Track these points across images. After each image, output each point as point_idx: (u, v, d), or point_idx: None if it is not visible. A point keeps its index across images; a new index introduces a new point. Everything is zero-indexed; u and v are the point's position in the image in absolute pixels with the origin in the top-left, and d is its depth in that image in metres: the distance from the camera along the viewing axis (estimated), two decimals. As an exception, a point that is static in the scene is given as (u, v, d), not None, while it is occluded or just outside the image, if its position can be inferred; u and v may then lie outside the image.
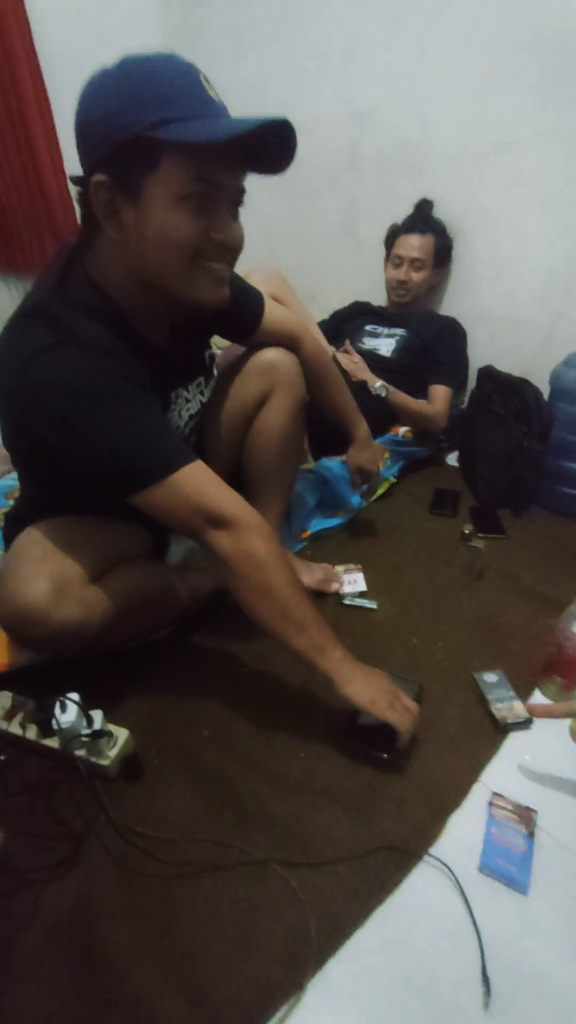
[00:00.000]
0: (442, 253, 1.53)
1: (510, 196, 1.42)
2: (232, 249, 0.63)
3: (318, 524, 1.22)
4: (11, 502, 1.18)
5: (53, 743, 0.69)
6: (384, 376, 1.45)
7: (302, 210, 1.82)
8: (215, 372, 0.91)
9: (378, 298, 1.72)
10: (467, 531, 1.08)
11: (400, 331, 1.57)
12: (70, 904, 0.58)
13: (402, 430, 1.48)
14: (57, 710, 0.68)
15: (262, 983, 0.52)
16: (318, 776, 0.71)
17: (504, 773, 0.72)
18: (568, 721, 0.68)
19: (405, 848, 0.63)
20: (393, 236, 1.58)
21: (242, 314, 0.87)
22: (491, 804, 0.67)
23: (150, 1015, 0.50)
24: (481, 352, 1.58)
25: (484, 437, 1.39)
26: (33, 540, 0.73)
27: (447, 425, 1.52)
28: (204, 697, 0.82)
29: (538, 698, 0.84)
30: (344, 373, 1.27)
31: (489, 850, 0.63)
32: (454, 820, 0.66)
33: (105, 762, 0.68)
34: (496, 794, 0.68)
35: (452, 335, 1.56)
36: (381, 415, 1.43)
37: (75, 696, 0.69)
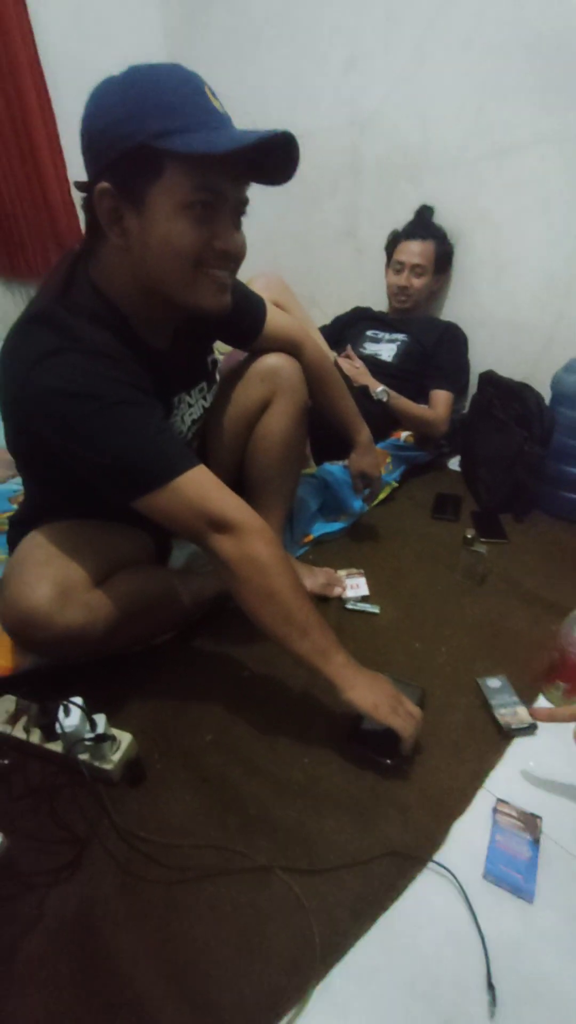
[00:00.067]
0: (443, 259, 1.54)
1: (510, 200, 1.43)
2: (234, 257, 0.64)
3: (320, 528, 1.22)
4: (15, 507, 1.19)
5: (56, 747, 0.69)
6: (385, 381, 1.46)
7: (303, 215, 1.83)
8: (217, 377, 0.91)
9: (379, 303, 1.73)
10: (469, 536, 1.08)
11: (401, 336, 1.58)
12: (73, 908, 0.58)
13: (404, 435, 1.48)
14: (60, 714, 0.68)
15: (266, 990, 0.52)
16: (321, 781, 0.71)
17: (508, 779, 0.72)
18: (572, 726, 0.68)
19: (409, 854, 0.63)
20: (394, 242, 1.59)
21: (244, 320, 0.88)
22: (496, 810, 0.67)
23: (153, 1020, 0.50)
24: (482, 356, 1.58)
25: (485, 442, 1.39)
26: (37, 544, 0.74)
27: (448, 430, 1.53)
28: (207, 701, 0.82)
29: (542, 703, 0.83)
30: (346, 378, 1.28)
31: (494, 857, 0.62)
32: (458, 826, 0.66)
33: (108, 766, 0.68)
34: (501, 800, 0.68)
35: (453, 340, 1.57)
36: (383, 420, 1.43)
37: (78, 700, 0.69)
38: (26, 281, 1.97)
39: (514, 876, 0.60)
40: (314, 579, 1.04)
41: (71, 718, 0.68)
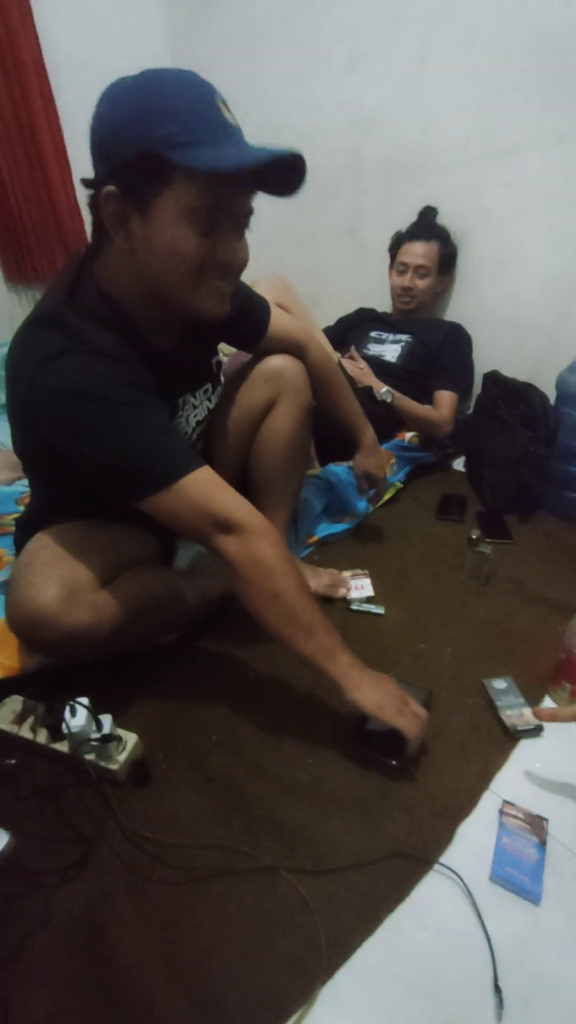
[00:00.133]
0: (446, 260, 1.54)
1: (513, 199, 1.43)
2: (236, 268, 0.65)
3: (325, 529, 1.22)
4: (21, 508, 1.20)
5: (63, 747, 0.70)
6: (389, 382, 1.46)
7: (306, 217, 1.84)
8: (222, 379, 0.92)
9: (383, 304, 1.73)
10: (474, 536, 1.08)
11: (405, 337, 1.58)
12: (80, 907, 0.58)
13: (408, 436, 1.48)
14: (67, 714, 0.68)
15: (271, 990, 0.52)
16: (326, 782, 0.71)
17: (515, 781, 0.72)
18: (578, 727, 0.68)
19: (415, 856, 0.63)
20: (398, 243, 1.59)
21: (248, 322, 0.88)
22: (502, 812, 0.67)
23: (159, 1019, 0.50)
24: (486, 356, 1.58)
25: (490, 442, 1.39)
26: (43, 545, 0.74)
27: (453, 431, 1.53)
28: (212, 702, 0.82)
29: (548, 705, 0.83)
30: (350, 379, 1.28)
31: (500, 859, 0.62)
32: (464, 828, 0.66)
33: (114, 766, 0.68)
34: (507, 802, 0.68)
35: (457, 340, 1.56)
36: (387, 421, 1.43)
37: (84, 700, 0.70)
38: (32, 284, 1.98)
39: (520, 878, 0.60)
40: (319, 580, 1.04)
41: (77, 718, 0.68)
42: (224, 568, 0.68)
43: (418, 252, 1.52)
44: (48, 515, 0.79)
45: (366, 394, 1.41)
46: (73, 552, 0.73)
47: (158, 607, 0.83)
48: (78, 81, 1.78)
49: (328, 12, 1.58)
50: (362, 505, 1.26)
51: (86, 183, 0.60)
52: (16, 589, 0.70)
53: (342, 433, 1.10)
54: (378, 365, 1.52)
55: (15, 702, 0.75)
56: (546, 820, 0.66)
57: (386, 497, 1.35)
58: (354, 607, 1.02)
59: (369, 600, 1.03)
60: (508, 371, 1.47)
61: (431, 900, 0.59)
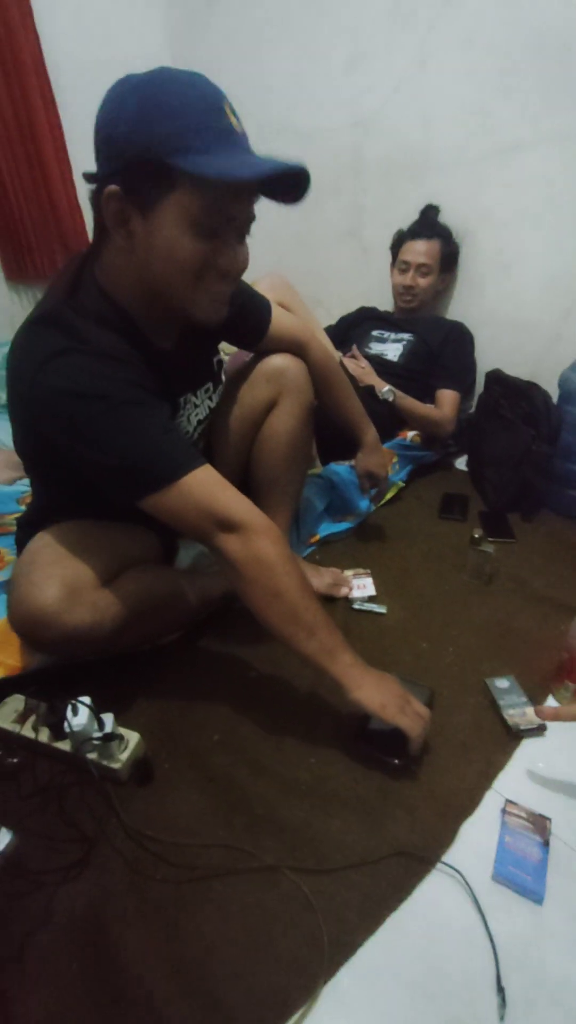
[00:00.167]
0: (448, 259, 1.54)
1: (514, 198, 1.42)
2: (236, 274, 0.65)
3: (327, 529, 1.22)
4: (23, 508, 1.20)
5: (65, 746, 0.70)
6: (391, 381, 1.46)
7: (307, 217, 1.83)
8: (223, 378, 0.92)
9: (384, 303, 1.73)
10: (476, 535, 1.07)
11: (407, 336, 1.58)
12: (82, 907, 0.58)
13: (410, 435, 1.48)
14: (69, 713, 0.69)
15: (274, 988, 0.52)
16: (328, 781, 0.71)
17: (517, 780, 0.71)
18: (581, 726, 0.68)
19: (417, 855, 0.62)
20: (399, 242, 1.58)
21: (249, 321, 0.88)
22: (504, 811, 0.67)
23: (162, 1018, 0.50)
24: (488, 355, 1.58)
25: (492, 441, 1.39)
26: (45, 545, 0.74)
27: (455, 429, 1.52)
28: (213, 701, 0.82)
29: (551, 704, 0.83)
30: (351, 378, 1.27)
31: (503, 858, 0.62)
32: (467, 827, 0.66)
33: (116, 765, 0.68)
34: (510, 801, 0.68)
35: (459, 339, 1.56)
36: (389, 420, 1.43)
37: (87, 699, 0.70)
38: (33, 283, 1.98)
39: (523, 877, 0.60)
40: (321, 579, 1.04)
41: (79, 717, 0.68)
42: (225, 567, 0.68)
43: (420, 250, 1.52)
44: (49, 514, 0.79)
45: (368, 393, 1.40)
46: (74, 551, 0.73)
47: (159, 606, 0.83)
48: (78, 80, 1.78)
49: (328, 12, 1.58)
50: (364, 504, 1.26)
51: (88, 178, 0.60)
52: (18, 588, 0.71)
53: (344, 432, 1.10)
54: (380, 364, 1.52)
55: (17, 701, 0.76)
56: (549, 819, 0.66)
57: (388, 496, 1.35)
58: (356, 606, 1.02)
59: (371, 599, 1.03)
60: (510, 370, 1.47)
61: (433, 899, 0.59)
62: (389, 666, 0.75)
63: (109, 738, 0.68)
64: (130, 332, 0.68)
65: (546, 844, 0.63)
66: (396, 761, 0.71)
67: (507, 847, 0.63)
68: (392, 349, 1.57)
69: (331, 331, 1.70)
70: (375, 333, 1.63)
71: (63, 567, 0.72)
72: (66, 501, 0.79)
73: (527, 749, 0.75)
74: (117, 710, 0.72)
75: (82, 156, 1.83)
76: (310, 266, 1.92)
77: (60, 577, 0.70)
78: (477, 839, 0.64)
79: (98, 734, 0.68)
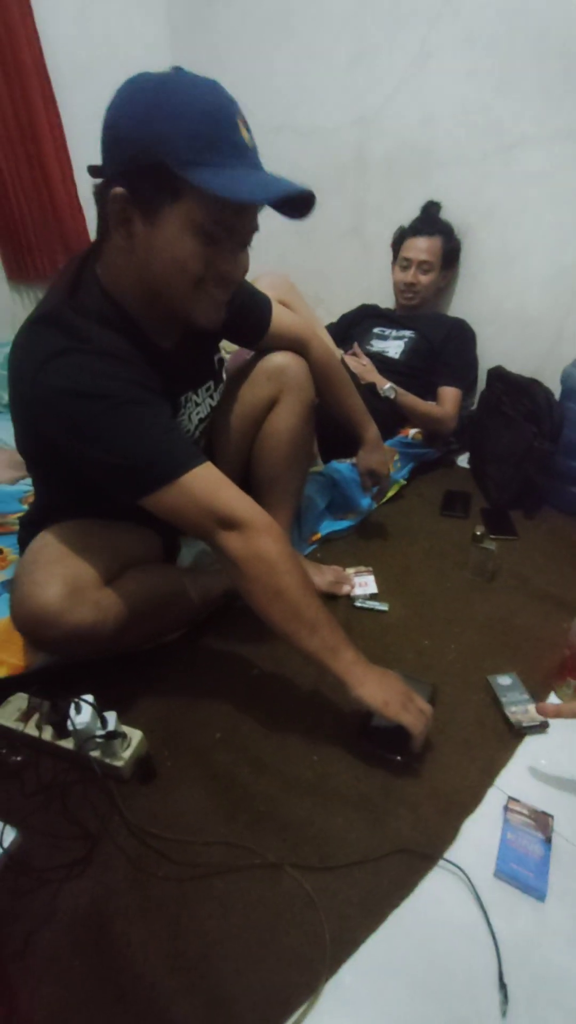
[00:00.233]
0: (450, 255, 1.53)
1: (518, 195, 1.41)
2: (235, 281, 0.66)
3: (328, 527, 1.22)
4: (25, 507, 1.20)
5: (68, 744, 0.70)
6: (393, 378, 1.45)
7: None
8: (224, 376, 0.92)
9: (386, 300, 1.72)
10: (478, 532, 1.07)
11: (408, 333, 1.57)
12: (86, 903, 0.58)
13: (412, 432, 1.48)
14: (72, 711, 0.69)
15: (276, 985, 0.52)
16: (331, 779, 0.71)
17: (520, 777, 0.71)
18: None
19: (420, 852, 0.63)
20: (401, 239, 1.58)
21: (250, 319, 0.88)
22: (507, 808, 0.67)
23: (165, 1015, 0.50)
24: (490, 352, 1.57)
25: (494, 438, 1.38)
26: (47, 544, 0.74)
27: (457, 427, 1.52)
28: (216, 699, 0.82)
29: (553, 701, 0.83)
30: (353, 376, 1.27)
31: (505, 855, 0.62)
32: (469, 824, 0.66)
33: (119, 763, 0.68)
34: (512, 798, 0.68)
35: (461, 336, 1.55)
36: (390, 417, 1.42)
37: (89, 698, 0.70)
38: (34, 283, 1.98)
39: (525, 874, 0.60)
40: (322, 577, 1.04)
41: (82, 715, 0.68)
42: (227, 565, 0.68)
43: (421, 247, 1.51)
44: (51, 514, 0.79)
45: (369, 390, 1.40)
46: (77, 550, 0.74)
47: (161, 605, 0.84)
48: (79, 80, 1.78)
49: (330, 10, 1.57)
50: (365, 502, 1.26)
51: (93, 171, 0.60)
52: (20, 587, 0.71)
53: (345, 430, 1.10)
54: (381, 361, 1.52)
55: (20, 699, 0.76)
56: (551, 816, 0.66)
57: (390, 494, 1.35)
58: (358, 604, 1.02)
59: (373, 597, 1.03)
60: (513, 367, 1.46)
61: (436, 896, 0.59)
62: (391, 663, 0.75)
63: (112, 736, 0.68)
64: (131, 331, 0.68)
65: (548, 841, 0.63)
66: (398, 758, 0.71)
67: (509, 844, 0.63)
68: (393, 346, 1.57)
69: (332, 329, 1.69)
70: (376, 330, 1.62)
71: (65, 566, 0.72)
72: (68, 500, 0.80)
73: (529, 746, 0.75)
74: (120, 708, 0.72)
75: (83, 156, 1.83)
76: (312, 264, 1.92)
77: (62, 576, 0.70)
78: (479, 836, 0.64)
79: (101, 732, 0.68)
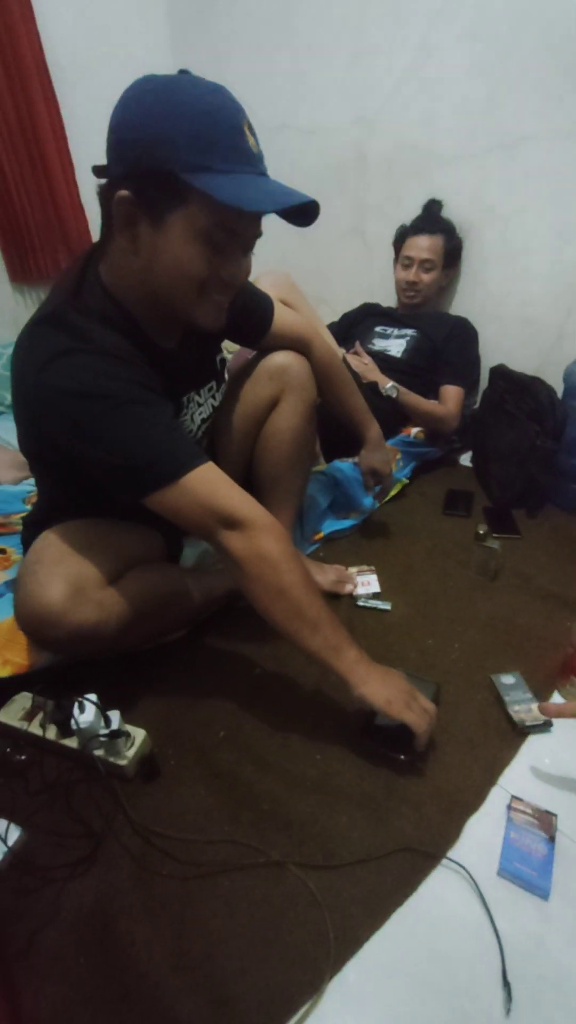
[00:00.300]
0: (452, 254, 1.53)
1: (520, 193, 1.41)
2: (238, 285, 0.66)
3: (330, 526, 1.22)
4: (29, 507, 1.20)
5: (72, 743, 0.70)
6: (395, 377, 1.45)
7: (311, 214, 1.83)
8: (226, 376, 0.92)
9: (388, 299, 1.72)
10: (481, 531, 1.07)
11: (410, 332, 1.57)
12: (89, 902, 0.59)
13: (414, 431, 1.48)
14: (75, 711, 0.69)
15: (280, 983, 0.52)
16: (334, 777, 0.71)
17: (523, 776, 0.71)
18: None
19: (423, 851, 0.63)
20: (402, 237, 1.58)
21: (252, 318, 0.88)
22: (510, 807, 0.67)
23: (169, 1013, 0.50)
24: (493, 351, 1.57)
25: (497, 437, 1.38)
26: (50, 544, 0.75)
27: (459, 426, 1.52)
28: (219, 698, 0.82)
29: (557, 701, 0.83)
30: (355, 375, 1.27)
31: (508, 854, 0.62)
32: (472, 823, 0.66)
33: (123, 762, 0.69)
34: (515, 797, 0.68)
35: (463, 335, 1.55)
36: (392, 416, 1.42)
37: (93, 697, 0.70)
38: (36, 284, 1.98)
39: (529, 873, 0.60)
40: (325, 576, 1.04)
41: (86, 714, 0.69)
42: (229, 564, 0.68)
43: (423, 246, 1.51)
44: (54, 513, 0.79)
45: (371, 390, 1.40)
46: (80, 550, 0.74)
47: (164, 605, 0.84)
48: (80, 79, 1.78)
49: (330, 9, 1.57)
50: (368, 501, 1.26)
51: (98, 171, 0.60)
52: (24, 587, 0.71)
53: (347, 429, 1.10)
54: (383, 360, 1.51)
55: (25, 699, 0.76)
56: (555, 815, 0.65)
57: (392, 493, 1.34)
58: (360, 603, 1.02)
59: (375, 596, 1.03)
60: (515, 365, 1.46)
61: (439, 895, 0.59)
62: (394, 662, 0.75)
63: (116, 735, 0.68)
64: (133, 332, 0.68)
65: (552, 840, 0.63)
66: (402, 757, 0.71)
67: (512, 843, 0.63)
68: (395, 345, 1.57)
69: (334, 328, 1.69)
70: (378, 329, 1.62)
71: (68, 566, 0.72)
72: (71, 500, 0.80)
73: (533, 745, 0.75)
74: (123, 707, 0.72)
75: (84, 155, 1.83)
76: (313, 264, 1.92)
77: (65, 576, 0.71)
78: (483, 835, 0.64)
79: (105, 731, 0.68)
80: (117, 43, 1.85)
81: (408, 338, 1.56)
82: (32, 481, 1.26)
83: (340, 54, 1.59)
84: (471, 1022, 0.50)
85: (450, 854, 0.62)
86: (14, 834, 0.64)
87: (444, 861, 0.62)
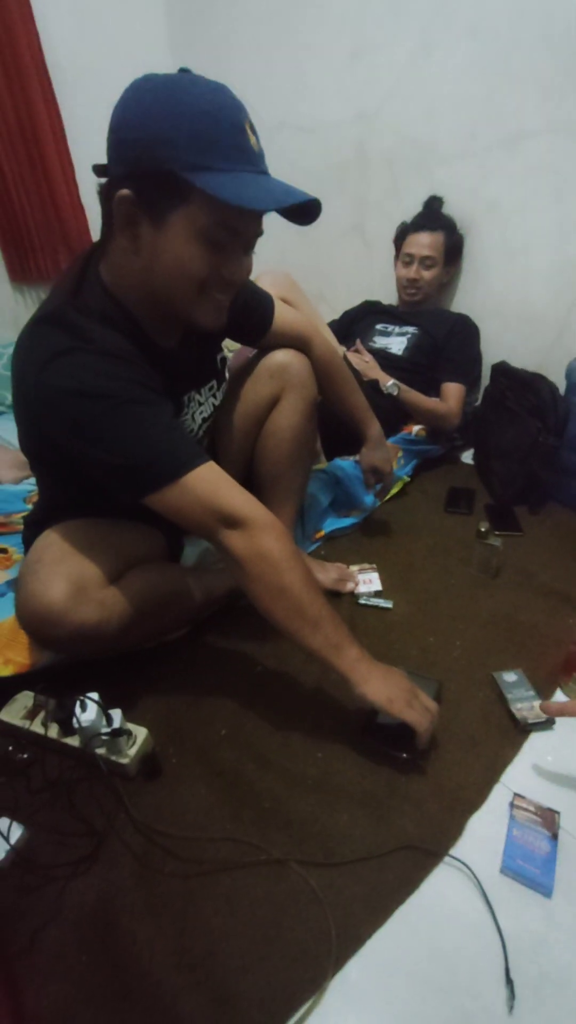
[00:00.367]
0: (452, 251, 1.53)
1: (521, 189, 1.40)
2: (238, 285, 0.66)
3: (332, 524, 1.22)
4: (30, 507, 1.21)
5: (74, 742, 0.70)
6: (396, 374, 1.45)
7: (311, 212, 1.83)
8: (226, 375, 0.92)
9: (388, 296, 1.72)
10: (483, 529, 1.07)
11: (411, 329, 1.57)
12: (92, 900, 0.59)
13: (415, 429, 1.47)
14: (77, 709, 0.69)
15: (282, 981, 0.52)
16: (335, 776, 0.71)
17: (525, 774, 0.71)
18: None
19: (425, 849, 0.62)
20: (403, 234, 1.57)
21: (252, 317, 0.88)
22: (512, 805, 0.66)
23: (171, 1011, 0.50)
24: (494, 348, 1.56)
25: (499, 434, 1.38)
26: (51, 543, 0.75)
27: (461, 423, 1.51)
28: (220, 697, 0.82)
29: (559, 698, 0.82)
30: (355, 373, 1.27)
31: (511, 851, 0.62)
32: (474, 821, 0.66)
33: (124, 760, 0.69)
34: (517, 795, 0.67)
35: (464, 332, 1.55)
36: (394, 414, 1.42)
37: (95, 695, 0.70)
38: (36, 284, 1.99)
39: (531, 870, 0.60)
40: (326, 574, 1.03)
41: (88, 713, 0.69)
42: (230, 563, 0.68)
43: (423, 243, 1.50)
44: (55, 513, 0.79)
45: (372, 387, 1.40)
46: (81, 549, 0.74)
47: (165, 604, 0.84)
48: (80, 79, 1.79)
49: (329, 6, 1.56)
50: (369, 499, 1.26)
51: (98, 171, 0.60)
52: (25, 586, 0.71)
53: (348, 427, 1.10)
54: (384, 358, 1.51)
55: (26, 698, 0.76)
56: (557, 813, 0.65)
57: (393, 491, 1.34)
58: (362, 601, 1.01)
59: (377, 594, 1.03)
60: (516, 362, 1.45)
61: (441, 892, 0.59)
62: (396, 660, 0.75)
63: (117, 734, 0.68)
64: (134, 331, 0.68)
65: (554, 837, 0.63)
66: (403, 755, 0.71)
67: (515, 840, 0.63)
68: (396, 343, 1.56)
69: (334, 325, 1.69)
70: (379, 327, 1.62)
71: (69, 565, 0.72)
72: (72, 499, 0.80)
73: (535, 743, 0.75)
74: (125, 706, 0.73)
75: (84, 155, 1.83)
76: (313, 262, 1.91)
77: (67, 575, 0.71)
78: (485, 833, 0.64)
79: (106, 730, 0.68)
80: (117, 43, 1.85)
81: (409, 335, 1.56)
82: (33, 480, 1.27)
83: (340, 52, 1.59)
84: (473, 1020, 0.50)
85: (452, 852, 0.62)
86: (16, 832, 0.64)
87: (446, 859, 0.62)
